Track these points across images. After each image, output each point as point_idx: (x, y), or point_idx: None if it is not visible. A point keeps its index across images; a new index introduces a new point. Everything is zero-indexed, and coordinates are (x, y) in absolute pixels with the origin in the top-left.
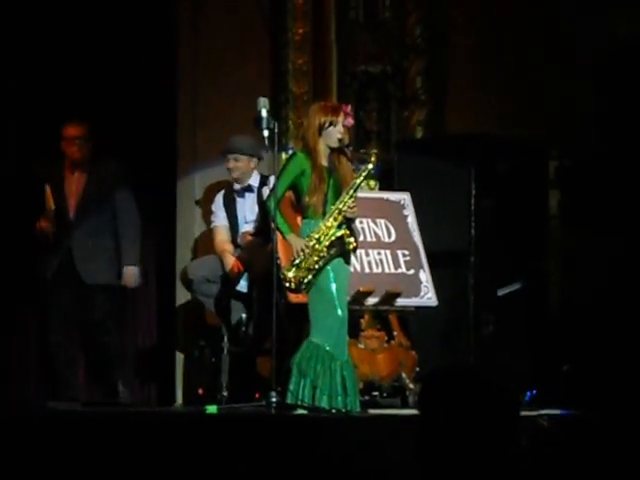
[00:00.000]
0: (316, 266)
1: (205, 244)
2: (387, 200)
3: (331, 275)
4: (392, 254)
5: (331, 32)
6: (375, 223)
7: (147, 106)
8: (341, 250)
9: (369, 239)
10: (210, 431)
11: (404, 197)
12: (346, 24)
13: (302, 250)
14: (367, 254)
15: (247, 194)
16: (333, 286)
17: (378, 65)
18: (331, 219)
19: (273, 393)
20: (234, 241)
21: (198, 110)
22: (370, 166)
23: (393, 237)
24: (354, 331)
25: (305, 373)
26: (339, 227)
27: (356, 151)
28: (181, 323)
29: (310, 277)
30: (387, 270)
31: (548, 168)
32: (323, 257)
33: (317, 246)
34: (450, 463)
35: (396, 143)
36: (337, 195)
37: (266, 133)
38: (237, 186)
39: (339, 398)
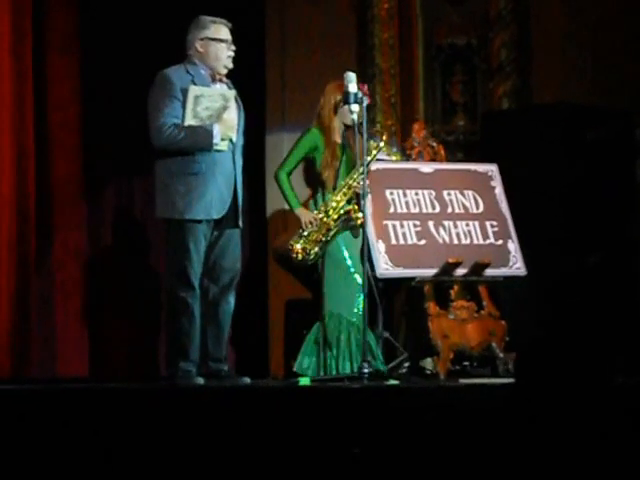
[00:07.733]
0: (323, 238)
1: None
2: (475, 172)
3: (342, 245)
4: (480, 225)
5: (416, 6)
6: (463, 195)
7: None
8: (348, 224)
9: (457, 211)
10: (303, 402)
11: (492, 168)
12: None
13: (310, 222)
14: (455, 226)
15: None
16: (346, 254)
17: (463, 38)
18: (340, 194)
19: (365, 364)
20: None
21: (287, 86)
22: (381, 144)
23: (481, 208)
24: (444, 302)
25: (330, 344)
26: (348, 202)
27: (369, 129)
28: (273, 296)
29: (317, 249)
30: (476, 241)
31: (635, 136)
32: (330, 230)
33: (325, 219)
34: (546, 428)
35: (482, 114)
36: (349, 171)
37: (355, 108)
38: None
39: (374, 362)
